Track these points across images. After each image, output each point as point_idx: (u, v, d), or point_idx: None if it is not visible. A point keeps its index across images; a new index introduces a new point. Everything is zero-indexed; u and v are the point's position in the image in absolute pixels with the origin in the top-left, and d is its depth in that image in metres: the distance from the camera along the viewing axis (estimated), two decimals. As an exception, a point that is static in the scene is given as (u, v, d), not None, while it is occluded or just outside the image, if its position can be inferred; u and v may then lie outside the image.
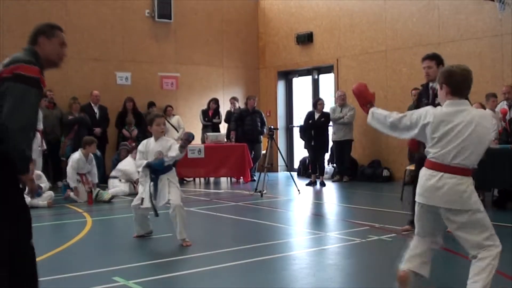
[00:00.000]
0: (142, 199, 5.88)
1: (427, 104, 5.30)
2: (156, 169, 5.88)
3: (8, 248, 3.16)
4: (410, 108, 6.90)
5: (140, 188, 6.09)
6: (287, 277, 4.66)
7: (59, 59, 3.52)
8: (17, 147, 3.15)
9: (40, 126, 10.58)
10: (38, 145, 10.39)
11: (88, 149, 9.31)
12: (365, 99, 3.99)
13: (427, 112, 3.53)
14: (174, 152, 5.90)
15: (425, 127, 3.48)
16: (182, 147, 5.90)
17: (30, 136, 3.25)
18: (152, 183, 5.86)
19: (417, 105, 6.12)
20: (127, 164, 10.07)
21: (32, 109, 3.24)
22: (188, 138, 5.88)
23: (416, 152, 4.99)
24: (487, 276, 3.38)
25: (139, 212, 6.03)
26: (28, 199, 9.40)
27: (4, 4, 11.41)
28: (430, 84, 5.97)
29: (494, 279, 3.42)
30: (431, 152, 3.49)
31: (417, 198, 3.58)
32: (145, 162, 5.92)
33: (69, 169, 9.23)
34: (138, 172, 6.82)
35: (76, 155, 9.29)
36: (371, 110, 3.83)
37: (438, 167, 3.44)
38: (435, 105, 5.04)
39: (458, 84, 3.49)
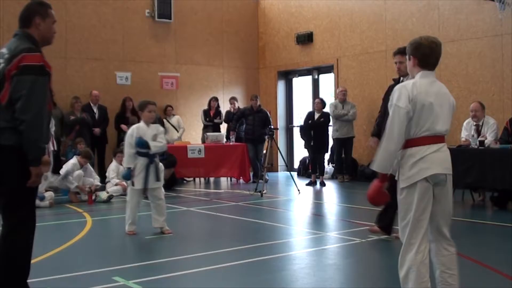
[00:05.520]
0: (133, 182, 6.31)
1: None
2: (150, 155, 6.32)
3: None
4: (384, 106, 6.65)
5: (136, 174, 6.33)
6: (287, 277, 4.66)
7: (52, 37, 3.57)
8: (30, 138, 3.23)
9: (53, 128, 10.56)
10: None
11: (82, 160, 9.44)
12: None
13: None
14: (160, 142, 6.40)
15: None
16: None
17: (43, 126, 3.30)
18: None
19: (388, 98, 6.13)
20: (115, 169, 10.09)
21: (42, 98, 3.29)
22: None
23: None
24: None
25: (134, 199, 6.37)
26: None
27: (4, 4, 11.40)
28: (402, 79, 5.80)
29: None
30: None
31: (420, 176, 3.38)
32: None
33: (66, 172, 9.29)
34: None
35: (72, 160, 9.36)
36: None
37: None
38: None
39: (425, 56, 3.41)
